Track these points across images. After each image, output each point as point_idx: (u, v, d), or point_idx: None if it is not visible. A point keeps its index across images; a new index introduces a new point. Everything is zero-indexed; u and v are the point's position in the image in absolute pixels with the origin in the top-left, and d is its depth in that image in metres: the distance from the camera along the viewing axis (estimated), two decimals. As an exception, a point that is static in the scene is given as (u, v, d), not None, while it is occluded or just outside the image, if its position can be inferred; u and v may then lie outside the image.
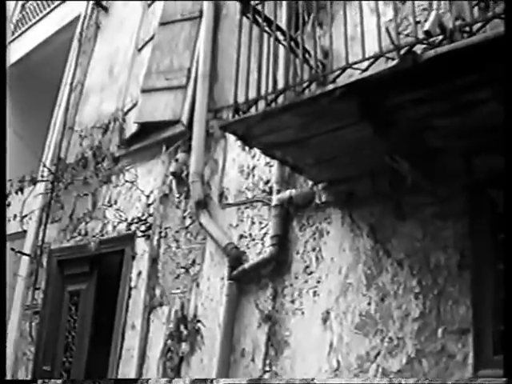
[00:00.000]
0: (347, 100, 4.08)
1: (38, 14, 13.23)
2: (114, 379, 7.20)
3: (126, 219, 7.91)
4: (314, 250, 5.59)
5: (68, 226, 9.06)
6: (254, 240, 6.11)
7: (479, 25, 3.89)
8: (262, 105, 4.73)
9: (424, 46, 4.03)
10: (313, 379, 5.18)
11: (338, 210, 5.50)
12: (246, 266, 6.01)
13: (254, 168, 6.33)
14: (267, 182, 6.13)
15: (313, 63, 5.05)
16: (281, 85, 5.11)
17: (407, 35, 4.99)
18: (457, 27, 3.93)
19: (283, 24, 5.76)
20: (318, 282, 5.46)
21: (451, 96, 4.05)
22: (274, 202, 5.90)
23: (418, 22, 5.06)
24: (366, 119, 4.24)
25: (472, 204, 4.72)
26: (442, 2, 5.18)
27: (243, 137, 4.82)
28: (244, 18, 5.14)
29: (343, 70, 4.38)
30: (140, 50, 9.14)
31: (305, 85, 4.62)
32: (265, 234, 6.00)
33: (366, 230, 5.27)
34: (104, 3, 10.86)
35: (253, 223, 6.17)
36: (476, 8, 4.96)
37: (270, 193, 6.03)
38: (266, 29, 5.08)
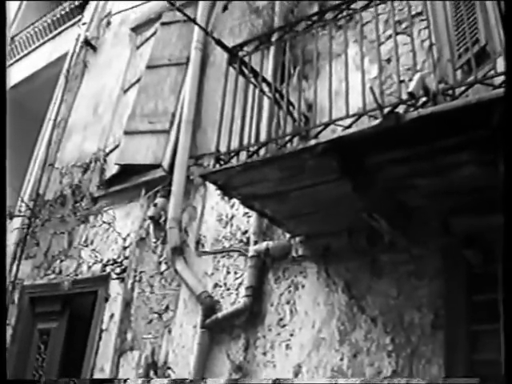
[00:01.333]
0: (328, 156, 4.09)
1: (27, 48, 13.27)
2: (89, 379, 7.14)
3: (102, 260, 7.84)
4: (288, 302, 5.56)
5: (42, 263, 8.96)
6: (228, 290, 6.07)
7: (462, 88, 3.94)
8: (243, 155, 4.74)
9: (407, 106, 4.07)
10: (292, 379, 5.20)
11: (314, 264, 5.50)
12: (220, 315, 5.96)
13: (232, 217, 6.33)
14: (245, 233, 6.12)
15: (296, 116, 5.09)
16: (264, 135, 5.14)
17: (391, 94, 5.06)
18: (440, 90, 3.98)
19: (269, 75, 5.82)
20: (291, 335, 5.42)
21: (431, 157, 4.09)
22: (250, 253, 5.89)
23: (402, 81, 5.14)
24: (346, 176, 4.25)
25: (447, 264, 4.75)
26: (426, 63, 5.28)
27: (223, 187, 4.81)
28: (231, 68, 5.19)
29: (326, 125, 4.40)
30: (126, 91, 9.18)
31: (287, 138, 4.63)
32: (240, 284, 5.96)
33: (342, 285, 5.26)
34: (93, 42, 10.89)
35: (228, 273, 6.14)
36: (459, 71, 5.05)
37: (247, 243, 6.02)
38: (252, 80, 5.12)
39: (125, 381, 6.64)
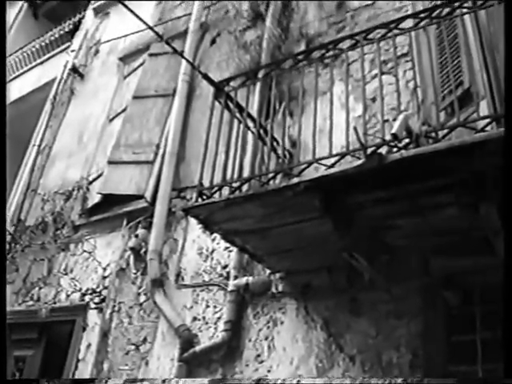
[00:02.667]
0: (311, 195, 4.11)
1: (14, 72, 13.27)
2: (71, 379, 7.06)
3: (81, 289, 7.77)
4: (266, 338, 5.54)
5: (21, 289, 8.86)
6: (207, 323, 6.03)
7: (445, 131, 3.98)
8: (226, 190, 4.73)
9: (390, 147, 4.09)
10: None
11: (294, 301, 5.49)
12: (197, 348, 5.91)
13: (213, 251, 6.31)
14: (225, 267, 6.11)
15: (280, 152, 5.10)
16: (247, 170, 5.15)
17: (375, 133, 5.08)
18: (423, 132, 4.00)
19: (254, 110, 5.84)
20: (269, 371, 5.39)
21: (413, 198, 4.11)
22: (230, 288, 5.87)
23: (386, 121, 5.19)
24: (328, 215, 4.26)
25: (426, 304, 4.76)
26: (411, 103, 5.32)
27: (204, 222, 4.80)
28: (216, 102, 5.20)
29: (309, 164, 4.41)
30: (111, 120, 9.19)
31: (270, 175, 4.64)
32: (218, 318, 5.93)
33: (320, 322, 5.24)
34: (81, 70, 10.90)
35: (207, 306, 6.10)
36: (443, 112, 5.09)
37: (227, 278, 6.00)
38: (237, 115, 5.13)
39: (106, 381, 6.57)
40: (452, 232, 4.41)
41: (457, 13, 4.54)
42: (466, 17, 4.73)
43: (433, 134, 4.00)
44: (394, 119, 5.01)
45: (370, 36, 4.75)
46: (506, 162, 3.33)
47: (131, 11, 5.41)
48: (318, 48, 5.13)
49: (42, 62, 13.11)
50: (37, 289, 8.55)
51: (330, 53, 4.92)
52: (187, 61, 7.04)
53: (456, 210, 4.15)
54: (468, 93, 4.59)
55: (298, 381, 5.13)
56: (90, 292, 7.61)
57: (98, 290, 7.52)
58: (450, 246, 4.51)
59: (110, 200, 7.95)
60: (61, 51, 12.56)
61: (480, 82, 4.78)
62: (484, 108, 4.57)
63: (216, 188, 4.72)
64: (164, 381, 5.88)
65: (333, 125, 4.48)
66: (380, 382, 4.67)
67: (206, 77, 5.16)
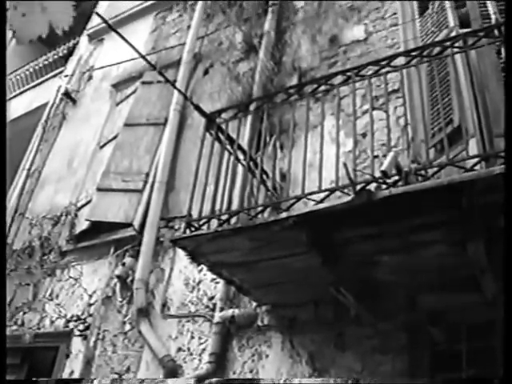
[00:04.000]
0: (299, 229, 4.11)
1: (7, 95, 13.25)
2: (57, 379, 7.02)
3: (65, 316, 7.71)
4: (251, 371, 5.50)
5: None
6: (191, 355, 5.99)
7: (435, 169, 4.00)
8: (214, 222, 4.72)
9: (379, 184, 4.10)
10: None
11: (279, 335, 5.46)
12: (181, 380, 5.86)
13: (199, 282, 6.29)
14: (211, 298, 6.08)
15: (270, 185, 5.10)
16: (236, 202, 5.15)
17: (364, 169, 5.10)
18: (412, 170, 4.02)
19: (245, 142, 5.85)
20: (253, 404, 5.35)
21: (401, 235, 4.12)
22: (215, 319, 5.84)
23: (376, 157, 5.20)
24: (315, 250, 4.26)
25: (412, 340, 4.76)
26: (401, 140, 5.35)
27: (192, 253, 4.78)
28: (207, 133, 5.21)
29: (298, 199, 4.41)
30: (102, 147, 9.18)
31: (259, 209, 4.64)
32: (203, 349, 5.89)
33: (306, 357, 5.22)
34: (73, 95, 10.92)
35: (192, 337, 6.06)
36: (433, 149, 5.12)
37: (213, 309, 5.97)
38: (228, 147, 5.14)
39: (92, 381, 6.49)
40: (439, 269, 4.41)
41: (448, 52, 4.57)
42: (457, 56, 4.77)
43: (422, 172, 4.01)
44: (384, 155, 5.02)
45: (362, 72, 4.77)
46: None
47: (124, 39, 5.42)
48: (309, 82, 5.16)
49: (34, 86, 13.15)
50: (21, 313, 8.47)
51: (322, 88, 4.94)
52: (179, 91, 7.06)
53: (444, 248, 4.16)
54: (458, 130, 4.63)
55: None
56: (74, 319, 7.55)
57: (82, 317, 7.46)
58: (436, 282, 4.52)
59: (97, 227, 7.92)
60: (54, 76, 12.59)
61: (470, 120, 4.82)
62: (473, 146, 4.61)
63: (204, 220, 4.71)
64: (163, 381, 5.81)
65: (323, 159, 4.50)
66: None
67: (197, 108, 5.17)
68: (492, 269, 4.12)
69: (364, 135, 5.65)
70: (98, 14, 6.32)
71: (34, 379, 7.82)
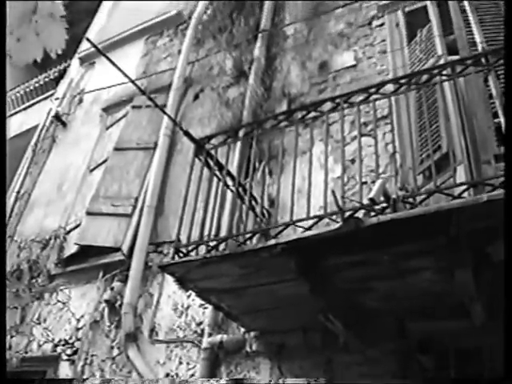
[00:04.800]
0: (287, 256, 4.10)
1: (-3, 116, 13.24)
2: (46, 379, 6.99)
3: (53, 340, 7.66)
4: (239, 397, 5.47)
5: (-8, 336, 8.73)
6: (180, 380, 5.96)
7: (423, 196, 4.02)
8: (203, 248, 4.72)
9: (367, 211, 4.12)
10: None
11: (268, 361, 5.44)
12: (169, 406, 5.83)
13: (188, 307, 6.27)
14: (200, 324, 6.06)
15: (258, 211, 5.10)
16: (225, 228, 5.15)
17: (353, 195, 5.12)
18: (400, 197, 4.03)
19: (234, 168, 5.86)
20: (241, 431, 5.32)
21: (389, 262, 4.12)
22: (204, 345, 5.82)
23: (365, 183, 5.23)
24: (304, 277, 4.26)
25: (401, 367, 4.75)
26: (389, 166, 5.37)
27: (180, 279, 4.77)
28: (196, 159, 5.22)
29: (286, 226, 4.42)
30: (92, 170, 9.17)
31: (247, 235, 4.64)
32: (192, 375, 5.86)
33: (294, 383, 5.19)
34: (63, 118, 10.92)
35: (181, 363, 6.03)
36: (421, 175, 5.15)
37: (202, 335, 5.95)
38: (217, 173, 5.15)
39: (83, 380, 6.50)
40: (428, 296, 4.42)
41: (436, 80, 4.61)
42: (445, 83, 4.82)
43: (410, 199, 4.03)
44: (373, 181, 5.04)
45: (351, 99, 4.81)
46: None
47: (114, 64, 5.44)
48: (299, 109, 5.19)
49: (25, 108, 13.16)
50: (8, 337, 8.40)
51: (311, 114, 4.97)
52: (168, 116, 7.09)
53: (432, 275, 4.17)
54: (446, 157, 4.65)
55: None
56: (62, 343, 7.50)
57: (70, 341, 7.41)
58: (425, 309, 4.53)
59: (86, 251, 7.89)
60: (45, 98, 12.62)
61: (458, 147, 4.85)
62: (461, 173, 4.64)
63: (193, 246, 4.71)
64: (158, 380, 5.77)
65: (311, 185, 4.51)
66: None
67: (186, 133, 5.18)
68: (480, 295, 4.13)
69: (353, 161, 5.68)
70: (88, 40, 6.34)
71: (33, 379, 7.73)
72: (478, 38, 5.76)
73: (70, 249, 8.26)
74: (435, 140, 5.12)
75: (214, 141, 5.22)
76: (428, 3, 6.59)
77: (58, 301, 8.02)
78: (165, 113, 6.84)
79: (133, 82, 5.82)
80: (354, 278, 4.35)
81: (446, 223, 3.75)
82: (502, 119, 4.70)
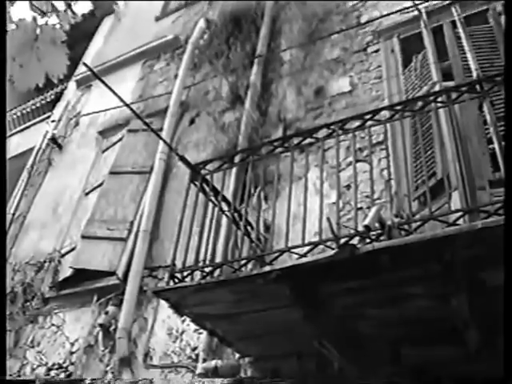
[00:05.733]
0: (282, 283, 4.10)
1: (-7, 138, 13.25)
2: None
3: (47, 364, 7.61)
4: (234, 422, 5.44)
5: (-15, 360, 8.67)
6: (174, 406, 5.92)
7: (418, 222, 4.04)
8: (198, 274, 4.72)
9: (362, 238, 4.12)
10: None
11: (263, 386, 5.41)
12: (163, 432, 5.79)
13: (182, 332, 6.24)
14: (194, 349, 6.03)
15: (254, 236, 5.11)
16: (220, 253, 5.14)
17: (348, 220, 5.12)
18: (395, 224, 4.04)
19: (230, 193, 5.87)
20: None
21: (384, 288, 4.12)
22: (198, 370, 5.78)
23: (360, 209, 5.24)
24: (299, 303, 4.26)
25: (396, 394, 4.72)
26: (385, 192, 5.39)
27: (175, 305, 4.76)
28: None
29: (282, 252, 4.42)
30: (87, 194, 9.16)
31: (242, 262, 4.64)
32: (186, 400, 5.83)
33: (289, 409, 5.17)
34: (59, 141, 10.92)
35: (175, 388, 6.00)
36: (416, 201, 5.17)
37: (196, 360, 5.91)
38: (212, 198, 5.15)
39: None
40: (422, 322, 4.41)
41: (431, 106, 4.64)
42: (440, 109, 4.84)
43: (405, 226, 4.05)
44: (368, 207, 5.07)
45: (346, 126, 4.83)
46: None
47: (109, 88, 5.46)
48: (294, 135, 5.21)
49: (21, 130, 13.15)
50: (2, 360, 8.36)
51: (307, 140, 4.99)
52: (164, 141, 7.11)
53: (427, 301, 4.17)
54: (441, 183, 4.67)
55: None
56: (56, 367, 7.45)
57: (64, 365, 7.36)
58: (420, 335, 4.52)
59: (81, 274, 7.86)
60: (41, 120, 12.61)
61: (453, 173, 4.87)
62: (456, 199, 4.66)
63: (188, 272, 4.70)
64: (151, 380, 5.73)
65: (307, 211, 4.51)
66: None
67: (182, 159, 5.20)
68: (475, 322, 4.13)
69: (348, 187, 5.69)
70: (85, 64, 6.38)
71: (33, 378, 7.68)
72: (472, 65, 5.80)
73: (65, 272, 8.23)
74: (430, 166, 5.15)
75: (209, 166, 5.23)
76: (423, 30, 6.66)
77: (52, 324, 7.98)
78: (160, 138, 6.86)
79: (128, 106, 5.84)
80: (349, 305, 4.34)
81: (441, 250, 3.76)
82: (496, 145, 4.73)
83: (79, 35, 12.51)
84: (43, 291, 8.48)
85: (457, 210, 4.07)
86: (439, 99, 4.62)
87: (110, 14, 13.17)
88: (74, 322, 7.67)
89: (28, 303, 8.62)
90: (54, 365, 7.49)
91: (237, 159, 5.55)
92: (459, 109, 5.22)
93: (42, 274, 8.79)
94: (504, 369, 2.89)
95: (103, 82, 5.54)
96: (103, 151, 9.62)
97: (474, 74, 5.62)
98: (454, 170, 4.93)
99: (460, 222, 3.93)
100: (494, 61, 5.88)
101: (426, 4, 6.87)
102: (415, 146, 5.48)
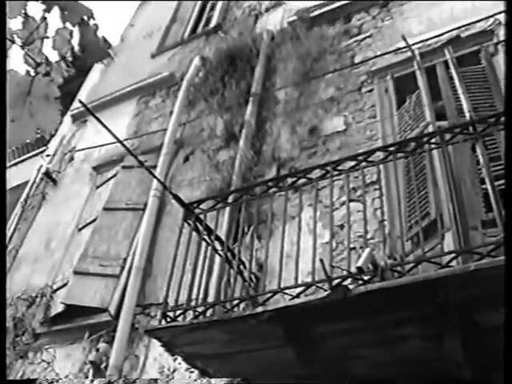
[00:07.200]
0: (274, 324, 4.10)
1: (-13, 171, 13.22)
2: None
3: (36, 400, 7.54)
4: None
5: (-26, 396, 8.57)
6: None
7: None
8: (190, 312, 4.70)
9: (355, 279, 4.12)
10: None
11: (254, 425, 5.36)
12: None
13: (174, 371, 6.18)
14: (186, 388, 5.99)
15: (247, 275, 5.11)
16: (213, 292, 5.13)
17: (341, 261, 5.13)
18: (388, 265, 4.05)
19: (223, 232, 5.87)
20: None
21: (377, 330, 4.12)
22: (189, 409, 5.74)
23: (353, 249, 5.24)
24: (291, 344, 4.25)
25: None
26: (378, 232, 5.39)
27: (167, 344, 4.75)
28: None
29: (274, 293, 4.41)
30: (80, 229, 9.13)
31: (235, 302, 4.63)
32: None
33: None
34: (54, 175, 10.92)
35: (166, 427, 5.94)
36: (410, 241, 5.18)
37: (187, 399, 5.87)
38: (206, 237, 5.16)
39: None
40: (416, 363, 4.40)
41: (425, 148, 4.67)
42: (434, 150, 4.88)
43: (398, 268, 4.05)
44: (361, 247, 5.07)
45: (340, 166, 4.86)
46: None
47: (104, 125, 5.50)
48: (288, 176, 5.24)
49: (16, 164, 13.15)
50: (-10, 395, 8.27)
51: (301, 180, 5.02)
52: (158, 180, 7.12)
53: (420, 342, 4.17)
54: (434, 223, 4.68)
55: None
56: (45, 404, 7.38)
57: (54, 402, 7.30)
58: (414, 376, 4.50)
59: (73, 310, 7.80)
60: (35, 154, 12.64)
61: (446, 213, 4.89)
62: (449, 239, 4.67)
63: (180, 311, 4.69)
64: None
65: (300, 251, 4.52)
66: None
67: (176, 197, 5.21)
68: (469, 362, 4.12)
69: (342, 227, 5.69)
70: (80, 101, 6.43)
71: (34, 378, 7.66)
72: (465, 106, 5.86)
73: (57, 308, 8.18)
74: (424, 206, 5.16)
75: (203, 205, 5.24)
76: (416, 70, 6.72)
77: (43, 360, 7.91)
78: (154, 176, 6.88)
79: (121, 143, 5.87)
80: (341, 346, 4.34)
81: (434, 292, 3.77)
82: (488, 186, 4.76)
83: (75, 69, 12.59)
84: (34, 326, 8.42)
85: (450, 252, 4.08)
86: (433, 140, 4.65)
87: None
88: (64, 359, 7.61)
89: (18, 338, 8.55)
90: (43, 402, 7.42)
91: (230, 199, 5.56)
92: (453, 149, 5.25)
93: (34, 309, 8.73)
94: (504, 369, 2.88)
95: (98, 118, 5.58)
96: (97, 187, 9.62)
97: (467, 116, 5.67)
98: (448, 211, 4.95)
99: (453, 263, 3.93)
100: (486, 101, 5.94)
101: (420, 45, 6.95)
102: (409, 185, 5.50)
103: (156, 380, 6.08)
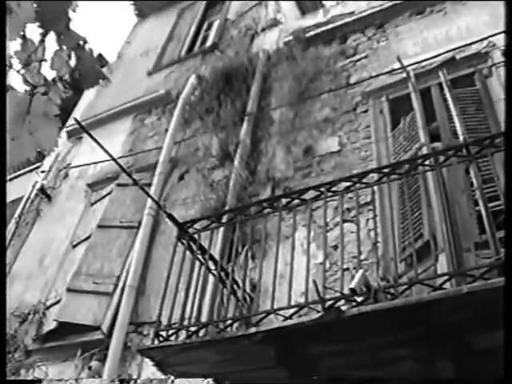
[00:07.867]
0: (267, 344, 4.11)
1: (-19, 187, 13.20)
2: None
3: (27, 418, 7.49)
4: None
5: (-35, 414, 8.49)
6: None
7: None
8: (183, 332, 4.70)
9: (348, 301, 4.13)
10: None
11: None
12: None
13: (167, 390, 6.17)
14: (178, 408, 5.95)
15: (240, 295, 5.11)
16: (206, 312, 5.13)
17: (334, 281, 5.13)
18: (381, 287, 4.06)
19: (217, 251, 5.87)
20: None
21: (370, 351, 4.12)
22: (181, 429, 5.70)
23: (347, 269, 5.25)
24: (283, 365, 4.25)
25: None
26: (371, 253, 5.40)
27: (159, 363, 4.74)
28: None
29: (267, 314, 4.41)
30: (74, 246, 9.10)
31: (228, 322, 4.63)
32: None
33: None
34: (48, 192, 10.91)
35: None
36: (403, 262, 5.19)
37: (179, 419, 5.83)
38: (199, 257, 5.16)
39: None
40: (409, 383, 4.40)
41: (419, 169, 4.70)
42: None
43: (391, 289, 4.07)
44: (355, 268, 5.08)
45: (334, 188, 4.87)
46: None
47: (98, 143, 5.51)
48: (282, 196, 5.26)
49: (11, 179, 13.10)
50: (-20, 413, 8.20)
51: (295, 201, 5.03)
52: (152, 198, 7.12)
53: (412, 364, 4.17)
54: (428, 244, 4.69)
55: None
56: (37, 423, 7.34)
57: (45, 421, 7.25)
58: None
59: (65, 328, 7.77)
60: (30, 170, 12.61)
61: (440, 235, 4.91)
62: (443, 261, 4.68)
63: (173, 331, 4.69)
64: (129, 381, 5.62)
65: (293, 271, 4.53)
66: None
67: (170, 216, 5.23)
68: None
69: (335, 247, 5.70)
70: (75, 119, 6.44)
71: (35, 379, 7.60)
72: (459, 128, 5.88)
73: (49, 325, 8.15)
74: (417, 227, 5.17)
75: (197, 225, 5.25)
76: (411, 91, 6.76)
77: (35, 377, 7.86)
78: (148, 195, 6.87)
79: (116, 161, 5.89)
80: (334, 367, 4.34)
81: (427, 314, 3.79)
82: (482, 208, 4.78)
83: (71, 87, 12.62)
84: (26, 343, 8.37)
85: (443, 274, 4.10)
86: (427, 162, 4.68)
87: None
88: (56, 376, 7.55)
89: (10, 355, 8.50)
90: (34, 420, 7.37)
91: (225, 218, 5.57)
92: (446, 171, 5.28)
93: (26, 325, 8.69)
94: (504, 369, 2.88)
95: (92, 137, 5.59)
96: (92, 204, 9.61)
97: (461, 138, 5.70)
98: (441, 232, 4.97)
99: (446, 285, 3.95)
100: (480, 123, 5.97)
101: (414, 66, 7.00)
102: (403, 207, 5.51)
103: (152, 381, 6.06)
